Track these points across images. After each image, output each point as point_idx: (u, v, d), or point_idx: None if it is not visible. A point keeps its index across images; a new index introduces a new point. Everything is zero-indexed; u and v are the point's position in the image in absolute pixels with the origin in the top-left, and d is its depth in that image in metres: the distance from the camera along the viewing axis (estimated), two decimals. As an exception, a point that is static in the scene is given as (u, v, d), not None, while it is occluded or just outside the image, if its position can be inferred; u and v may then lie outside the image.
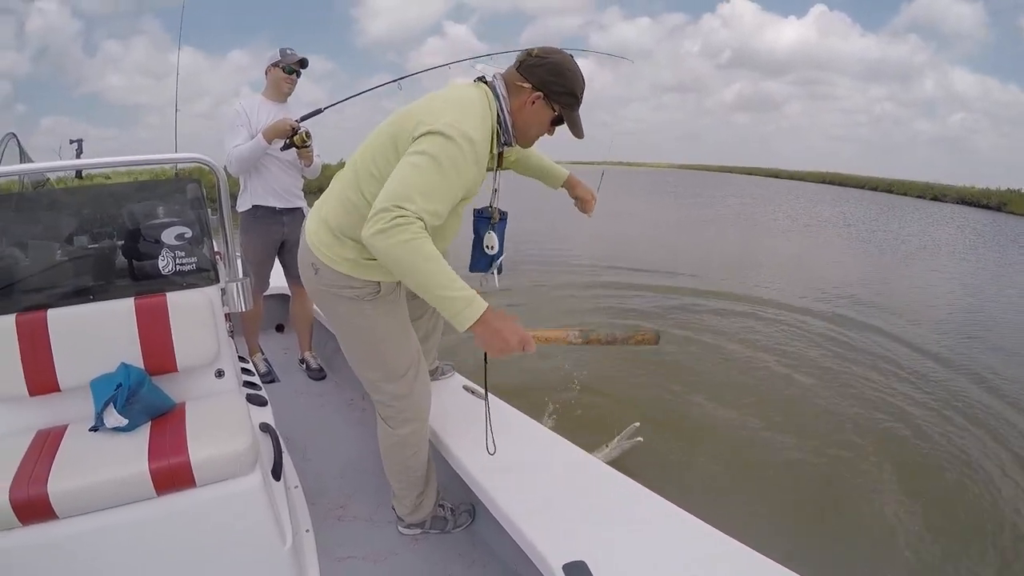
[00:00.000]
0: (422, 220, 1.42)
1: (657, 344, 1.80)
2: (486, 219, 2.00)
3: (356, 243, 1.70)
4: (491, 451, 1.89)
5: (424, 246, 1.40)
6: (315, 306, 2.01)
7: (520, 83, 1.66)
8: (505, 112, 1.68)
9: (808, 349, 6.07)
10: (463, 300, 1.43)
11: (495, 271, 2.06)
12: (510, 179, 2.02)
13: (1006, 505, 3.47)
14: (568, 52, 1.70)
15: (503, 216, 2.02)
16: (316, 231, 1.78)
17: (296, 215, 3.20)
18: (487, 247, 2.02)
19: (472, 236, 2.03)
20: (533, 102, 1.67)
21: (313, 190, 3.27)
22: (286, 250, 3.24)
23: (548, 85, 1.65)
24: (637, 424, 3.17)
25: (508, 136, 1.74)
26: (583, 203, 2.28)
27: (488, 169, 1.73)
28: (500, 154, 1.82)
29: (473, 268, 2.04)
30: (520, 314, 2.18)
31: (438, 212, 1.48)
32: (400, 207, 1.40)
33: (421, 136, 1.50)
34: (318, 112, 3.18)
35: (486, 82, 1.72)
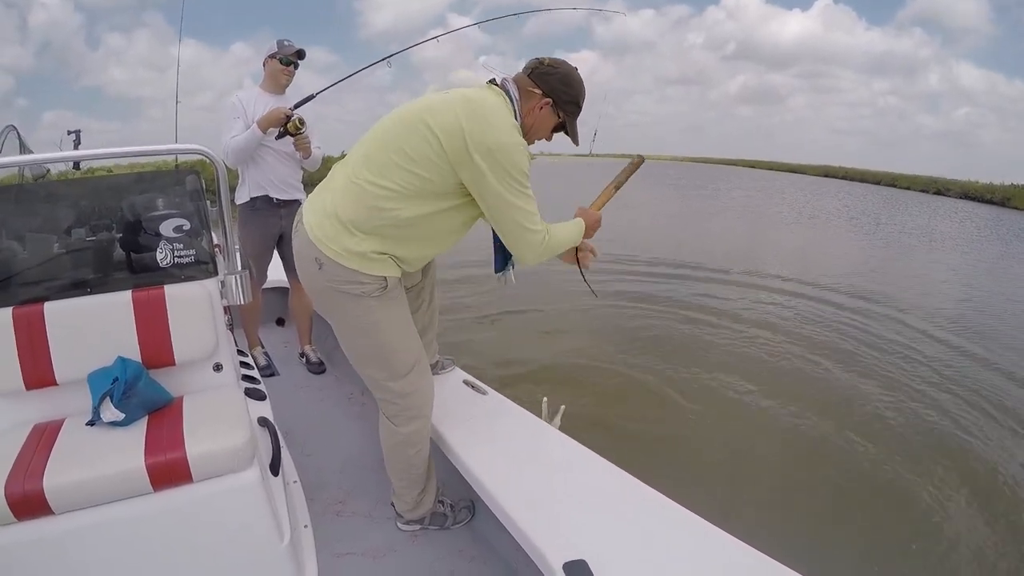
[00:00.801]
0: (539, 225, 1.76)
1: (643, 163, 2.25)
2: None
3: (368, 236, 1.70)
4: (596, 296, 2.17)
5: (556, 236, 1.83)
6: (315, 307, 1.99)
7: (531, 88, 1.75)
8: (518, 116, 1.74)
9: (818, 339, 6.12)
10: (581, 227, 1.97)
11: (511, 268, 2.07)
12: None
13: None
14: (573, 66, 1.81)
15: None
16: (320, 224, 1.73)
17: (294, 207, 3.17)
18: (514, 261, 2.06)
19: (491, 242, 2.00)
20: (542, 107, 1.77)
21: (315, 182, 3.26)
22: (284, 243, 3.22)
23: (558, 93, 1.75)
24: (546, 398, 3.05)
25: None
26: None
27: None
28: None
29: (498, 268, 2.09)
30: (541, 320, 2.32)
31: (535, 206, 1.74)
32: (529, 231, 1.74)
33: (485, 155, 1.61)
34: (311, 98, 3.16)
35: (497, 84, 1.77)
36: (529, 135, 1.80)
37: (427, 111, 1.65)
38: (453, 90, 1.72)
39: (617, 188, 2.14)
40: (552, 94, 1.75)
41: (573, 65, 1.79)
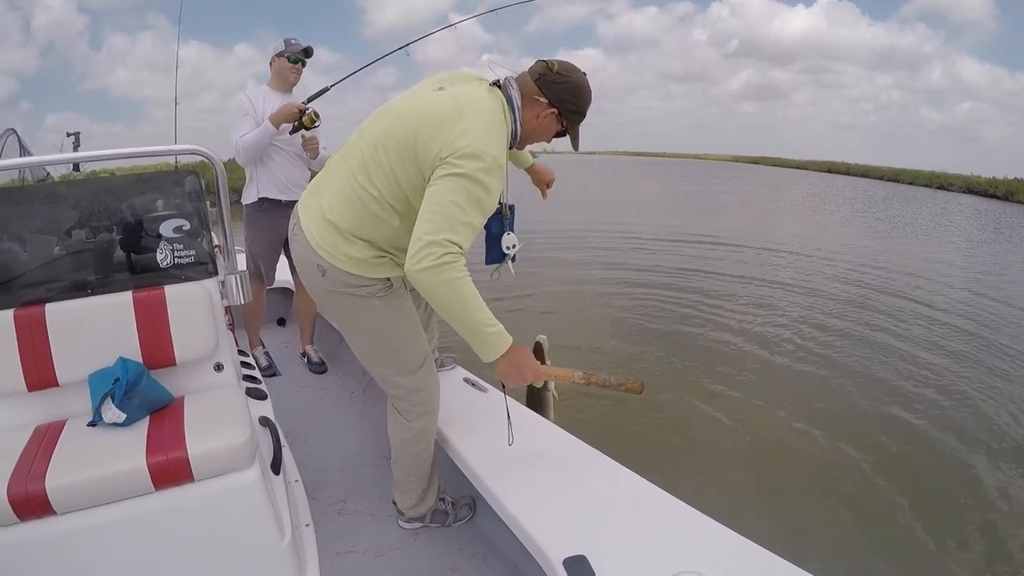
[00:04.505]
0: (462, 249, 1.50)
1: (640, 394, 1.89)
2: (498, 216, 1.98)
3: (366, 243, 1.70)
4: (510, 443, 1.88)
5: (467, 285, 1.51)
6: (320, 311, 1.99)
7: (537, 96, 1.69)
8: (518, 123, 1.70)
9: (822, 330, 6.12)
10: (496, 335, 1.58)
11: (510, 260, 2.06)
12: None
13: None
14: (583, 72, 1.73)
15: (512, 210, 2.03)
16: (319, 231, 1.73)
17: None
18: (507, 247, 2.02)
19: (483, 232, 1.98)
20: (545, 116, 1.71)
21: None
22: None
23: (564, 103, 1.70)
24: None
25: (514, 142, 1.74)
26: (541, 186, 2.33)
27: None
28: None
29: (489, 261, 2.06)
30: (552, 322, 2.24)
31: (473, 236, 1.55)
32: (449, 241, 1.47)
33: (456, 159, 1.51)
34: (325, 91, 3.14)
35: (499, 85, 1.71)
36: (527, 140, 1.79)
37: (417, 118, 1.60)
38: (449, 90, 1.67)
39: (585, 382, 1.83)
40: (558, 103, 1.69)
41: (582, 71, 1.73)
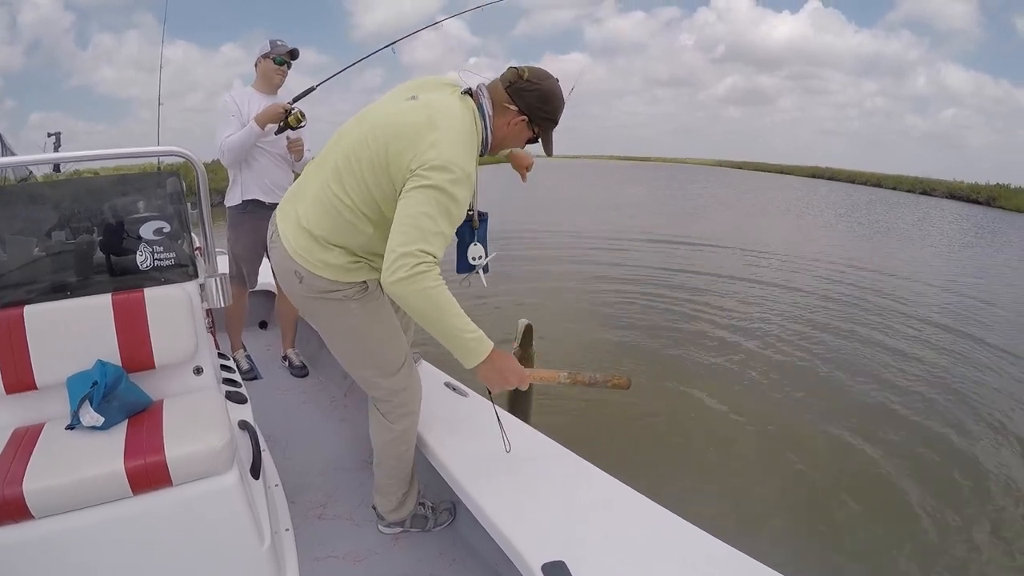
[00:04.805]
0: (435, 259, 1.52)
1: (628, 389, 1.88)
2: (467, 224, 1.99)
3: (342, 249, 1.71)
4: (507, 450, 1.90)
5: (443, 293, 1.53)
6: (301, 314, 1.99)
7: (507, 104, 1.71)
8: (489, 131, 1.72)
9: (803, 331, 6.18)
10: (475, 341, 1.59)
11: (480, 271, 2.06)
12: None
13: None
14: (555, 78, 1.74)
15: (483, 218, 2.03)
16: (296, 238, 1.75)
17: None
18: (473, 258, 2.02)
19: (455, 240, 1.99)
20: (516, 123, 1.73)
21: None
22: None
23: (534, 111, 1.71)
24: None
25: (485, 149, 1.76)
26: (520, 170, 2.32)
27: None
28: None
29: (460, 270, 2.06)
30: (537, 321, 2.23)
31: (446, 244, 1.57)
32: (422, 251, 1.49)
33: (425, 171, 1.53)
34: (311, 91, 3.12)
35: (471, 93, 1.73)
36: (498, 147, 1.81)
37: (389, 128, 1.61)
38: (421, 98, 1.68)
39: (572, 381, 1.82)
40: (528, 111, 1.71)
41: (555, 78, 1.74)
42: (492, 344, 1.63)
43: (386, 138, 1.60)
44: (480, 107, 1.71)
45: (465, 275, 2.06)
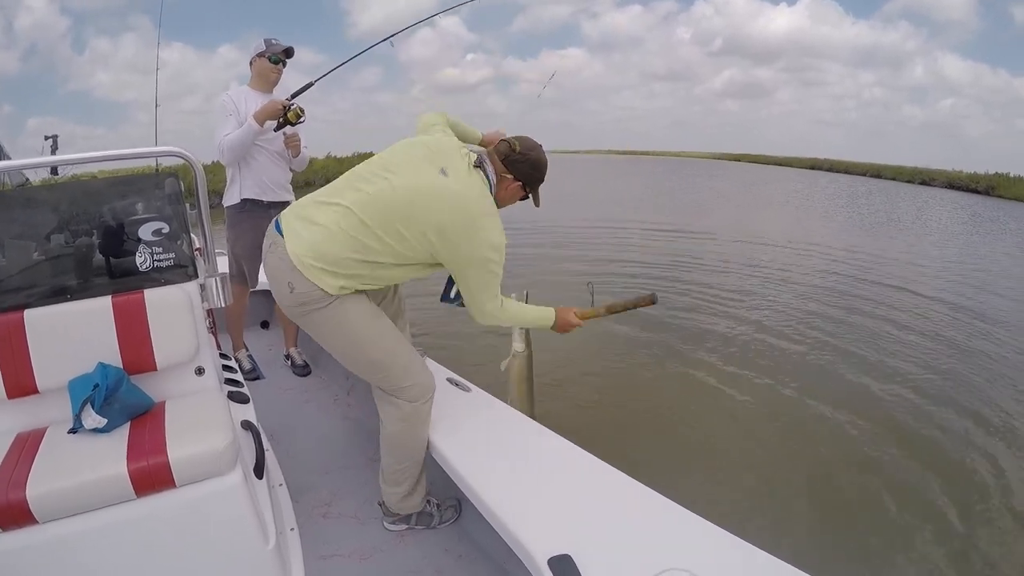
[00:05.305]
0: (498, 295, 1.98)
1: (654, 304, 2.35)
2: None
3: (348, 277, 1.82)
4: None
5: (518, 310, 2.11)
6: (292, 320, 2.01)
7: (505, 174, 1.99)
8: (494, 195, 1.98)
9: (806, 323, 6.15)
10: (546, 318, 2.19)
11: (460, 304, 2.11)
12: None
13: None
14: (539, 145, 2.06)
15: None
16: (305, 255, 1.79)
17: (283, 209, 3.16)
18: (455, 295, 2.13)
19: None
20: (513, 187, 2.02)
21: (300, 184, 3.24)
22: None
23: (528, 177, 2.02)
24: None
25: None
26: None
27: None
28: None
29: (443, 300, 2.20)
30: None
31: (498, 281, 1.96)
32: (493, 302, 1.96)
33: (482, 258, 1.86)
34: (309, 87, 3.14)
35: (480, 167, 1.96)
36: (501, 204, 2.04)
37: (441, 213, 1.81)
38: (451, 175, 1.85)
39: (610, 312, 2.35)
40: (523, 178, 2.01)
41: (539, 144, 2.03)
42: (554, 310, 2.19)
43: (440, 222, 1.81)
44: (486, 174, 1.96)
45: (447, 305, 2.19)
